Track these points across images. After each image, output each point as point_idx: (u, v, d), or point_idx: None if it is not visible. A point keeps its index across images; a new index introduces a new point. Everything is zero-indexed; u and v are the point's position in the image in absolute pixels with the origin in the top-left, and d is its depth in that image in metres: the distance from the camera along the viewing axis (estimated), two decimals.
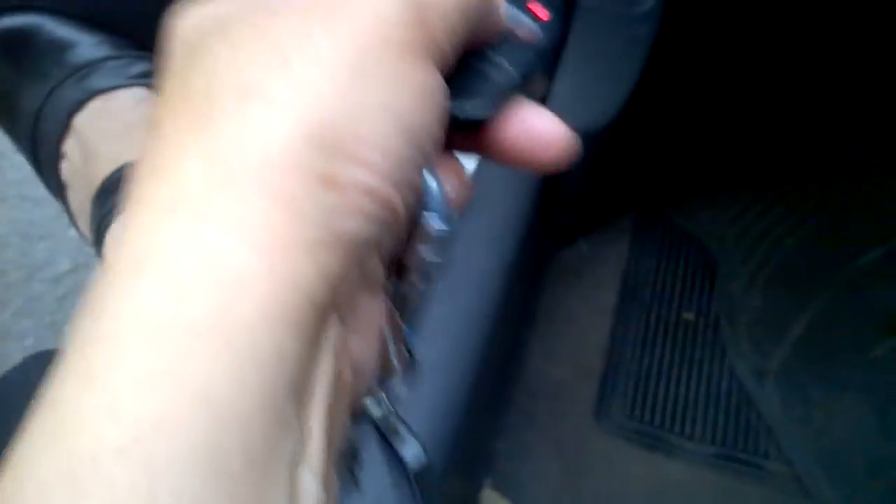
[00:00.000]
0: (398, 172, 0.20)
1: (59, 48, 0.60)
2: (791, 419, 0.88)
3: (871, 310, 0.94)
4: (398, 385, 0.28)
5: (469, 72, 0.24)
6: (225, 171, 0.18)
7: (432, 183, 0.23)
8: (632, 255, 1.01)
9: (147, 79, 0.60)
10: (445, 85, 0.22)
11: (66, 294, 1.49)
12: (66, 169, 0.60)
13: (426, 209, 0.23)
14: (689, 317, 0.97)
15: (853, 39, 1.06)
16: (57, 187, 0.62)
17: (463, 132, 0.24)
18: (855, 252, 0.98)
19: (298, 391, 0.18)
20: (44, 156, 0.61)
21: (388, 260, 0.22)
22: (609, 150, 0.94)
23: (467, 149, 0.25)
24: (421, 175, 0.21)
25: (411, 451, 0.31)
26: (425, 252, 0.24)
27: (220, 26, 0.20)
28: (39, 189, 0.66)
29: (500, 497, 0.83)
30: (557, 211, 0.95)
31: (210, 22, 0.21)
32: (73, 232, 0.64)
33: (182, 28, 0.21)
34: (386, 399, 0.29)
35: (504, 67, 0.24)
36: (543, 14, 0.26)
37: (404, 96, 0.20)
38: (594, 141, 0.90)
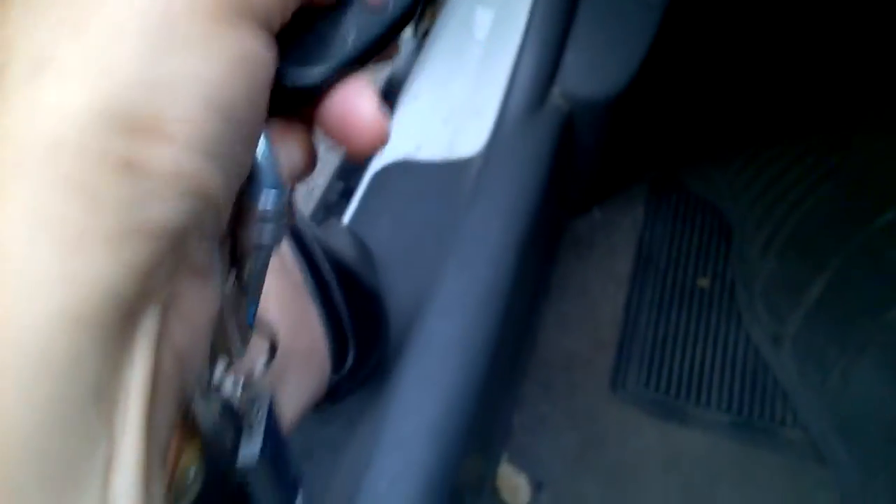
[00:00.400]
0: (211, 149, 0.18)
1: None
2: (807, 385, 0.88)
3: (888, 271, 0.93)
4: (251, 362, 0.27)
5: (309, 35, 0.22)
6: (16, 153, 0.16)
7: (261, 157, 0.21)
8: (646, 221, 1.01)
9: None
10: (272, 49, 0.20)
11: None
12: None
13: (254, 185, 0.22)
14: (704, 283, 0.96)
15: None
16: None
17: (296, 100, 0.22)
18: (870, 214, 0.97)
19: (102, 394, 0.17)
20: None
21: (216, 241, 0.21)
22: (622, 117, 0.92)
23: (302, 118, 0.24)
24: (245, 149, 0.20)
25: (249, 449, 0.29)
26: (257, 230, 0.22)
27: None
28: None
29: (517, 473, 0.84)
30: (571, 180, 0.94)
31: None
32: None
33: None
34: (241, 381, 0.28)
35: (346, 34, 0.23)
36: None
37: (216, 65, 0.18)
38: (607, 109, 0.89)
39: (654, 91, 0.96)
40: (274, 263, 0.50)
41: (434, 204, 0.79)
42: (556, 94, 0.85)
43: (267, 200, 0.22)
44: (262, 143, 0.21)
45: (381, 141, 0.23)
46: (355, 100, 0.23)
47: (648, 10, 0.87)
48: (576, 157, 0.92)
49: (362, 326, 0.63)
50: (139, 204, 0.17)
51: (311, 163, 0.24)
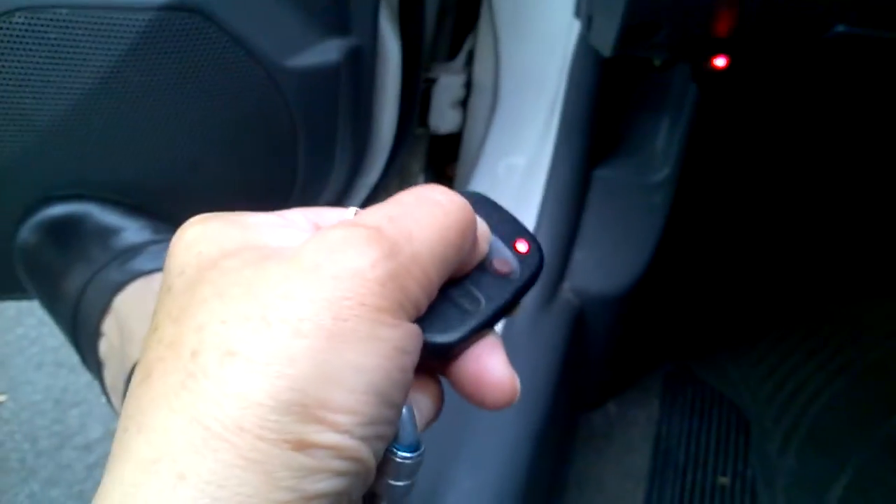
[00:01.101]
0: (369, 431, 0.21)
1: (105, 233, 0.64)
2: None
3: None
4: None
5: (445, 301, 0.26)
6: (205, 434, 0.19)
7: (405, 417, 0.24)
8: (662, 415, 1.00)
9: None
10: (418, 333, 0.23)
11: (96, 462, 1.49)
12: (104, 347, 0.62)
13: (396, 442, 0.24)
14: (724, 481, 0.94)
15: (876, 194, 1.09)
16: (94, 364, 0.64)
17: (433, 359, 0.25)
18: (889, 409, 0.96)
19: None
20: (83, 334, 0.63)
21: (358, 498, 0.23)
22: (633, 312, 0.95)
23: (438, 371, 0.27)
24: (394, 421, 0.23)
25: None
26: (394, 481, 0.24)
27: (215, 261, 0.22)
28: (76, 356, 0.68)
29: None
30: (584, 373, 0.95)
31: (210, 248, 0.23)
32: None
33: (184, 246, 0.24)
34: None
35: (478, 301, 0.26)
36: (524, 247, 0.28)
37: (378, 357, 0.21)
38: (618, 303, 0.92)
39: (664, 286, 0.99)
40: None
41: (448, 398, 0.80)
42: (567, 290, 0.88)
43: (405, 458, 0.24)
44: (406, 405, 0.24)
45: (513, 398, 0.26)
46: (488, 360, 0.26)
47: (653, 210, 0.91)
48: (588, 351, 0.93)
49: None
50: (307, 479, 0.20)
51: (438, 411, 0.27)
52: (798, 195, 1.11)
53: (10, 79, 0.61)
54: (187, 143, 0.65)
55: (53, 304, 0.66)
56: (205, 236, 0.24)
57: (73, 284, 0.63)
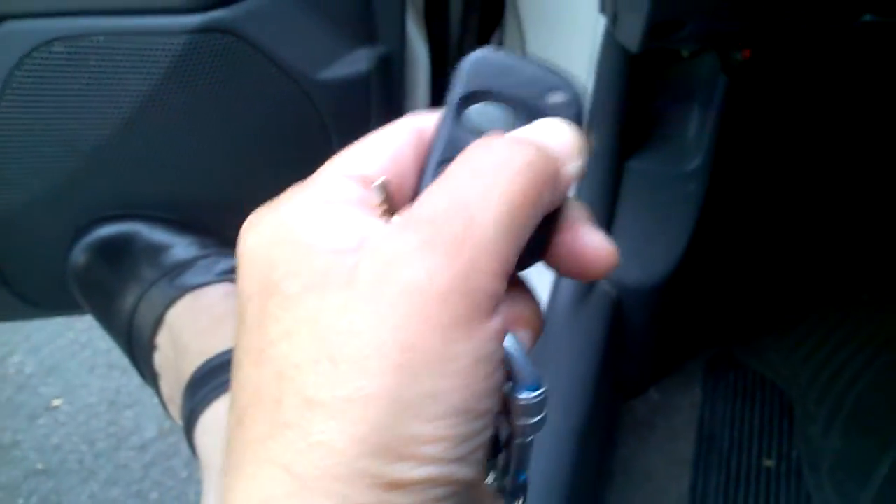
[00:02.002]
0: (459, 450, 0.21)
1: (154, 251, 0.66)
2: None
3: None
4: None
5: None
6: (297, 481, 0.20)
7: (515, 354, 0.23)
8: (705, 401, 1.01)
9: (232, 274, 0.65)
10: (500, 328, 0.22)
11: (152, 461, 1.53)
12: (159, 360, 0.65)
13: (515, 385, 0.24)
14: (769, 463, 0.94)
15: None
16: (150, 376, 0.66)
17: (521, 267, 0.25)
18: None
19: None
20: (138, 348, 0.66)
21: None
22: (671, 300, 0.95)
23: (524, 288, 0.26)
24: (485, 423, 0.22)
25: None
26: (523, 419, 0.25)
27: (276, 284, 0.22)
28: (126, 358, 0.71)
29: None
30: (625, 362, 0.96)
31: (268, 267, 0.23)
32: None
33: (246, 265, 0.24)
34: None
35: None
36: (561, 97, 0.27)
37: (453, 377, 0.20)
38: (655, 293, 0.92)
39: (702, 273, 0.99)
40: None
41: None
42: (604, 282, 0.89)
43: (529, 398, 0.24)
44: (511, 341, 0.24)
45: (615, 260, 0.25)
46: (585, 237, 0.25)
47: (687, 199, 0.91)
48: (627, 340, 0.94)
49: None
50: None
51: (540, 328, 0.26)
52: (835, 176, 1.10)
53: (54, 105, 0.63)
54: (227, 159, 0.67)
55: (108, 321, 0.68)
56: (261, 249, 0.23)
57: (126, 301, 0.65)
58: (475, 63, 0.27)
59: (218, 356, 0.58)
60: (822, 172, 1.10)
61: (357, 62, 0.69)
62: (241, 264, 0.24)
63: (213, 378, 0.57)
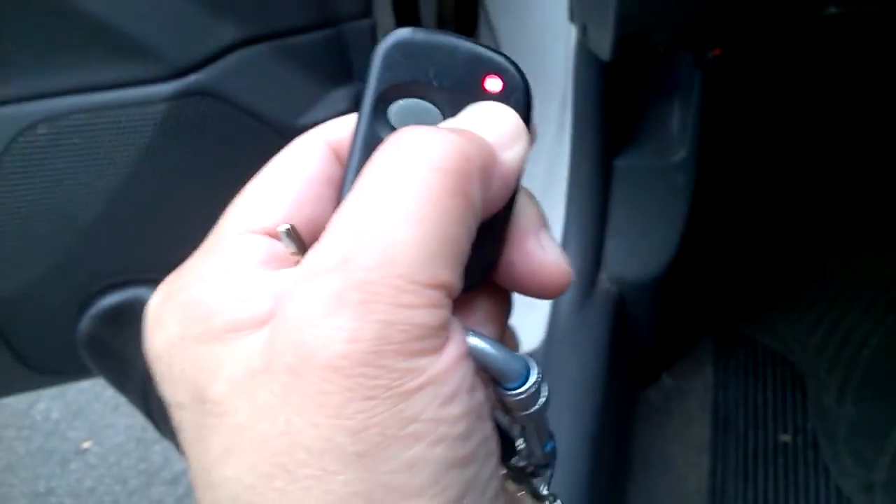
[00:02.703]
0: (463, 500, 0.19)
1: None
2: None
3: None
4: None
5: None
6: None
7: (492, 358, 0.21)
8: (717, 382, 1.02)
9: None
10: (457, 353, 0.19)
11: (185, 493, 1.56)
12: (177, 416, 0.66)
13: (500, 384, 0.22)
14: (786, 438, 0.96)
15: None
16: (169, 432, 0.68)
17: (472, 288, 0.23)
18: None
19: None
20: (155, 409, 0.68)
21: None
22: (672, 290, 0.96)
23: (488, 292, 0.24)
24: (491, 455, 0.20)
25: None
26: (525, 412, 0.23)
27: (201, 394, 0.20)
28: None
29: None
30: (634, 353, 0.97)
31: (189, 370, 0.20)
32: None
33: (162, 366, 0.21)
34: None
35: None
36: (498, 84, 0.23)
37: (425, 434, 0.18)
38: (656, 285, 0.93)
39: (700, 257, 1.00)
40: None
41: None
42: (604, 280, 0.90)
43: (521, 391, 0.22)
44: (478, 343, 0.21)
45: (569, 277, 0.23)
46: (538, 254, 0.23)
47: (677, 191, 0.92)
48: (634, 333, 0.95)
49: None
50: None
51: (507, 310, 0.25)
52: (816, 152, 1.11)
53: (44, 185, 0.64)
54: (218, 215, 0.68)
55: (122, 384, 0.70)
56: (175, 350, 0.21)
57: (137, 366, 0.67)
58: (394, 48, 0.23)
59: None
60: (805, 150, 1.10)
61: (335, 103, 0.70)
62: (157, 369, 0.21)
63: None
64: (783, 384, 1.00)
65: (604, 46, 0.66)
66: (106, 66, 0.61)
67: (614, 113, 0.87)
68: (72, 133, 0.63)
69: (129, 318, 0.68)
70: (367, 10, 0.69)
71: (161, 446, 1.63)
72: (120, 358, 0.68)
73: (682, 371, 1.04)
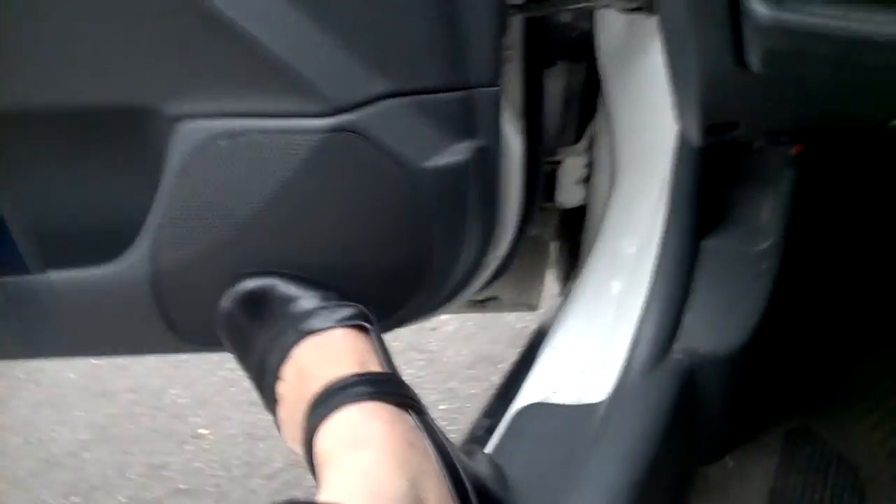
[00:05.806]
0: None
1: (285, 301, 0.82)
2: None
3: None
4: None
5: None
6: None
7: None
8: (779, 472, 1.05)
9: (348, 321, 0.79)
10: None
11: (278, 489, 1.70)
12: (281, 388, 0.79)
13: None
14: None
15: None
16: (272, 401, 0.81)
17: None
18: None
19: None
20: (266, 378, 0.81)
21: None
22: (746, 370, 1.01)
23: None
24: None
25: None
26: None
27: None
28: None
29: None
30: (699, 429, 1.02)
31: None
32: None
33: None
34: None
35: None
36: None
37: None
38: (729, 363, 0.99)
39: (778, 345, 1.05)
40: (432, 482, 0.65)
41: (563, 442, 0.91)
42: (678, 350, 0.97)
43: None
44: None
45: None
46: None
47: (761, 276, 0.98)
48: (703, 408, 1.00)
49: None
50: None
51: None
52: None
53: (219, 184, 0.80)
54: (343, 232, 0.82)
55: (244, 358, 0.84)
56: None
57: (260, 341, 0.81)
58: None
59: (339, 380, 0.71)
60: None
61: (457, 153, 0.83)
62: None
63: (333, 397, 0.70)
64: (843, 486, 1.02)
65: (692, 132, 0.75)
66: (279, 98, 0.77)
67: (709, 196, 0.95)
68: (245, 148, 0.79)
69: (260, 302, 0.82)
70: (495, 80, 0.82)
71: (266, 444, 1.78)
72: (246, 334, 0.83)
73: (748, 455, 1.07)
